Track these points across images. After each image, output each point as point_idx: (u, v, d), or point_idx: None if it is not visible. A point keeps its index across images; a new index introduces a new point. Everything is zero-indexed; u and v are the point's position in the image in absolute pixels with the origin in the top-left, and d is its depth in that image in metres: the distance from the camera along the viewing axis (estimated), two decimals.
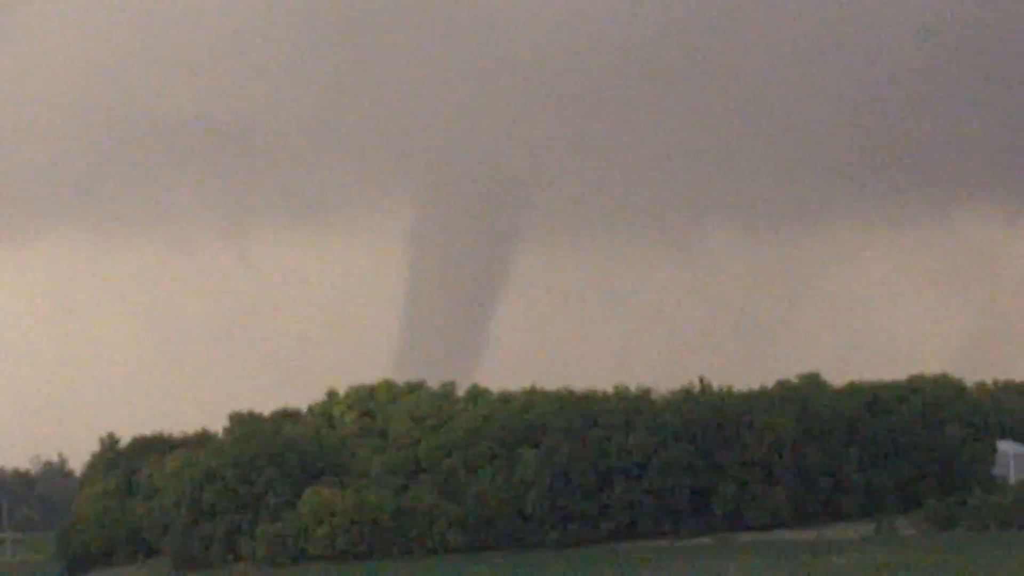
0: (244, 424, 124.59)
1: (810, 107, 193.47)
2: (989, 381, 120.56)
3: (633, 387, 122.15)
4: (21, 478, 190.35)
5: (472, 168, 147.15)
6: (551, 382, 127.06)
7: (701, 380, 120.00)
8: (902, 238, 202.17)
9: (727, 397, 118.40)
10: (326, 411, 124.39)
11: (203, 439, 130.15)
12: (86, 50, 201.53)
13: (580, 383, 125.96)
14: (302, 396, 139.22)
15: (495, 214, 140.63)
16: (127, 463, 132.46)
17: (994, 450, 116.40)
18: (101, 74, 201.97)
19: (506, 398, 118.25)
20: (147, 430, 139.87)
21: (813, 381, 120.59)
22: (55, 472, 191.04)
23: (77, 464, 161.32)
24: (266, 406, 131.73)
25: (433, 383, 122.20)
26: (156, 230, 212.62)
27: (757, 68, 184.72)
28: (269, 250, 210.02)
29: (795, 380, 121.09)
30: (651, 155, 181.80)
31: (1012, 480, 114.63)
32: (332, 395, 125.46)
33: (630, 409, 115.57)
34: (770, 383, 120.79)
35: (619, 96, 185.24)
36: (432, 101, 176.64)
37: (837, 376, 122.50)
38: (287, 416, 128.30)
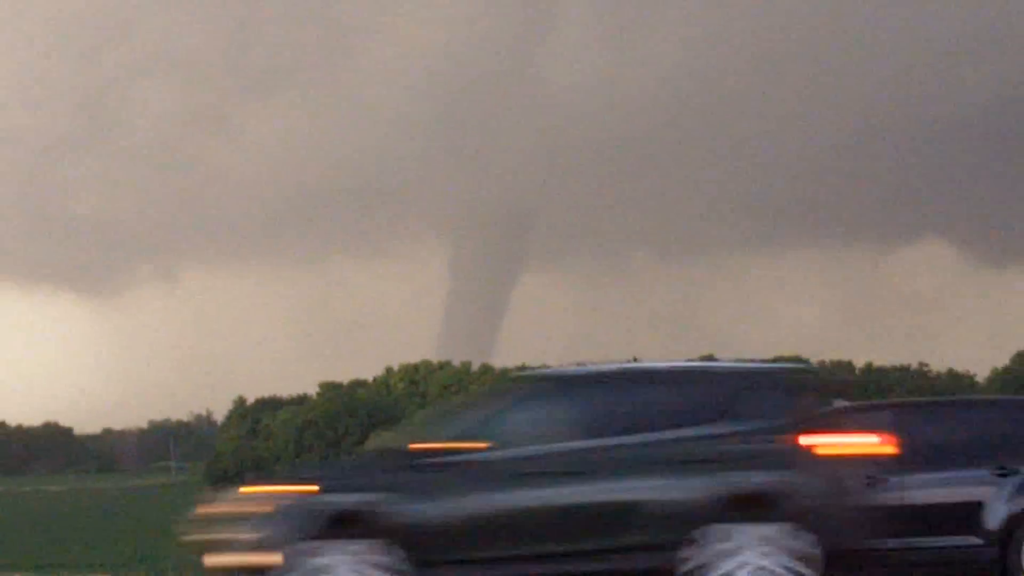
0: (329, 389, 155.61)
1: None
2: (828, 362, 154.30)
3: None
4: (183, 426, 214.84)
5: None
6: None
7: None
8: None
9: None
10: (384, 380, 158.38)
11: (302, 399, 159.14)
12: None
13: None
14: (369, 371, 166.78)
15: (505, 248, 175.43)
16: (253, 415, 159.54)
17: None
18: None
19: (504, 373, 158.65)
20: (266, 393, 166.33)
21: None
22: (204, 422, 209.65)
23: (220, 416, 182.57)
24: (344, 377, 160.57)
25: (456, 362, 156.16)
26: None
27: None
28: (353, 272, 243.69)
29: None
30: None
31: None
32: (389, 370, 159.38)
33: None
34: None
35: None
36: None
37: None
38: (359, 384, 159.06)
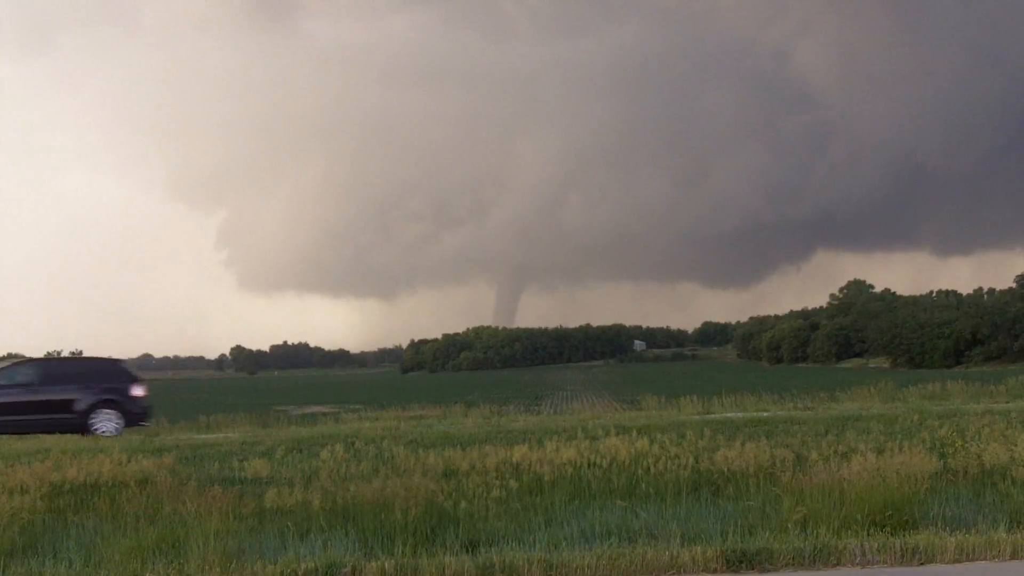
0: (447, 336, 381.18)
1: None
2: None
3: None
4: (391, 351, 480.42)
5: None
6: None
7: None
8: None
9: None
10: (471, 332, 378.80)
11: (444, 338, 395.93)
12: None
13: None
14: (464, 328, 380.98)
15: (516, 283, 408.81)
16: (422, 344, 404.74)
17: None
18: None
19: (523, 329, 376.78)
20: (430, 335, 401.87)
21: None
22: (399, 348, 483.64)
23: (404, 345, 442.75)
24: (455, 330, 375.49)
25: (499, 326, 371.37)
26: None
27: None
28: (468, 290, 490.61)
29: None
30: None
31: None
32: (470, 328, 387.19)
33: None
34: None
35: None
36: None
37: None
38: (458, 334, 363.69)
